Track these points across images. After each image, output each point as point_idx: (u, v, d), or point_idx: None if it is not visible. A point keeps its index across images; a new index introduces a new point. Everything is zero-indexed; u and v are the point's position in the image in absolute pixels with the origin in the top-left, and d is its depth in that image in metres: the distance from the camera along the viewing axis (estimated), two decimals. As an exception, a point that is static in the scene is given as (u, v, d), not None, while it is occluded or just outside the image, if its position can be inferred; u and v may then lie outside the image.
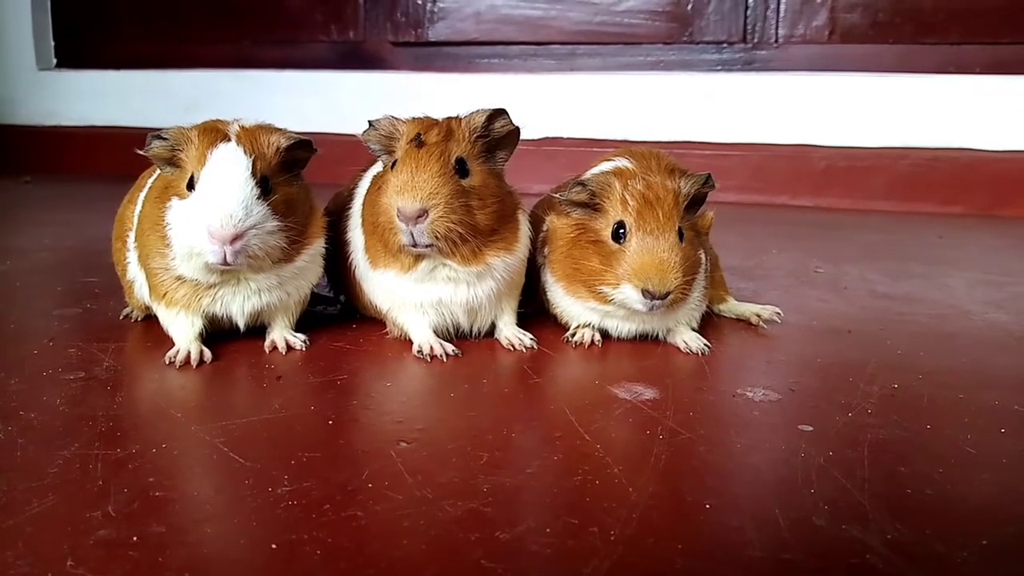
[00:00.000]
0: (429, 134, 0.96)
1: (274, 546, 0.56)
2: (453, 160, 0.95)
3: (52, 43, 3.37)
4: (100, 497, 0.63)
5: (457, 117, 1.00)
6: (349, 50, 2.99)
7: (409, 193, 0.92)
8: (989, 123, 2.41)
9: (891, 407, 0.86)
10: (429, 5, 2.86)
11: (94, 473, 0.67)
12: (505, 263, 1.02)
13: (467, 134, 0.98)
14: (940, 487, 0.68)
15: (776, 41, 2.61)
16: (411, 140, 0.96)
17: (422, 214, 0.92)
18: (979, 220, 2.31)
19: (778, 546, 0.58)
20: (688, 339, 1.06)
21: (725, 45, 2.65)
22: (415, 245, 0.94)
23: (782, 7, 2.57)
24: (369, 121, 1.01)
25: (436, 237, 0.94)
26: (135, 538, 0.57)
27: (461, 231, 0.94)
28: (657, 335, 1.08)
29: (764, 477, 0.70)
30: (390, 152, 1.00)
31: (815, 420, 0.82)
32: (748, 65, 2.65)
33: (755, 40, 2.62)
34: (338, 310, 1.23)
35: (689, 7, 2.64)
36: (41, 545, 0.56)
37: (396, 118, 1.00)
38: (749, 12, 2.60)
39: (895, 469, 0.71)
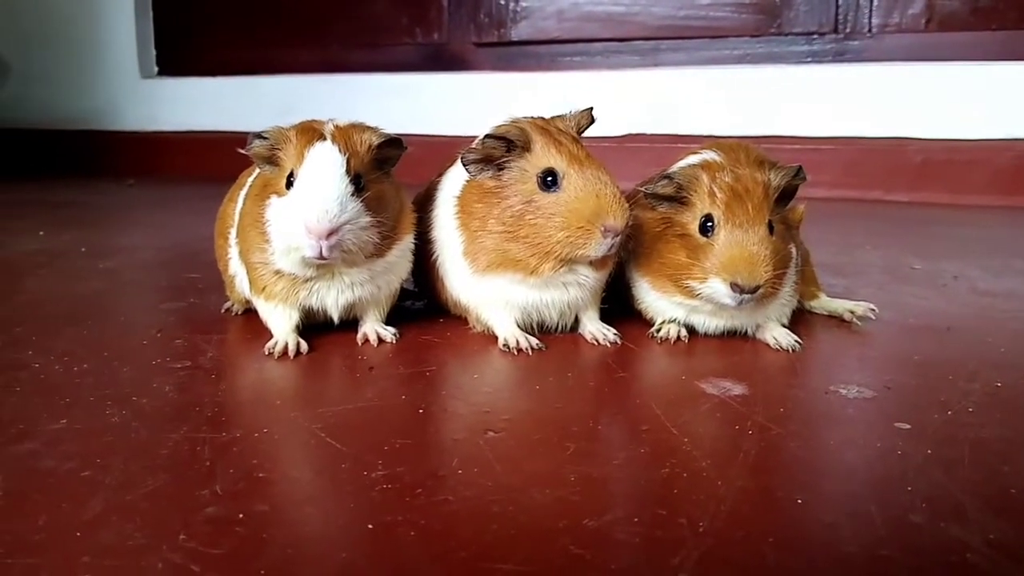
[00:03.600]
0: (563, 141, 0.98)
1: (370, 526, 0.58)
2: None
3: (154, 52, 3.54)
4: (208, 477, 0.66)
5: (561, 117, 1.01)
6: (433, 52, 3.05)
7: (618, 206, 0.96)
8: (1102, 111, 2.28)
9: (993, 406, 0.83)
10: (512, 5, 2.88)
11: (202, 455, 0.70)
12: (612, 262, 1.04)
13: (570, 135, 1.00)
14: (1048, 488, 0.65)
15: (869, 31, 2.52)
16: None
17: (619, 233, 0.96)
18: (1092, 214, 2.19)
19: (873, 542, 0.57)
20: (778, 335, 1.04)
21: (815, 36, 2.58)
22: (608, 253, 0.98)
23: (876, -5, 2.49)
24: (490, 132, 1.00)
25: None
26: (241, 515, 0.60)
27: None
28: (745, 331, 1.07)
29: (858, 474, 0.68)
30: (501, 165, 1.00)
31: (912, 418, 0.79)
32: (840, 56, 2.57)
33: (847, 30, 2.55)
34: (424, 305, 1.26)
35: (777, -2, 2.58)
36: (156, 520, 0.60)
37: (519, 126, 1.00)
38: (841, 1, 2.52)
39: (998, 468, 0.68)
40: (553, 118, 1.02)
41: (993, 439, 0.74)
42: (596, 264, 1.00)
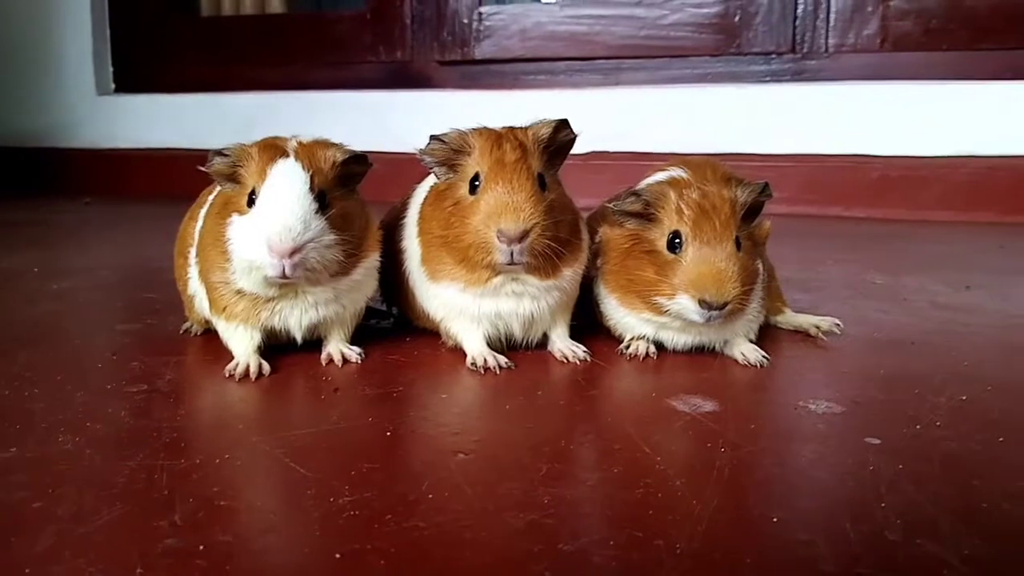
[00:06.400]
0: (505, 149, 0.96)
1: (338, 555, 0.56)
2: (536, 176, 0.96)
3: (111, 69, 3.48)
4: (166, 507, 0.63)
5: (523, 128, 1.00)
6: (397, 70, 3.03)
7: (512, 214, 0.93)
8: (1050, 129, 2.34)
9: (960, 419, 0.84)
10: (475, 24, 2.89)
11: (160, 483, 0.68)
12: (575, 273, 1.03)
13: (536, 146, 0.98)
14: (1017, 501, 0.65)
15: (826, 51, 2.57)
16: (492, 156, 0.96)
17: (525, 235, 0.93)
18: (1042, 229, 2.24)
19: (850, 561, 0.56)
20: (746, 351, 1.04)
21: (774, 56, 2.62)
22: (512, 264, 0.95)
23: (832, 16, 2.54)
24: (433, 135, 1.01)
25: (534, 255, 0.95)
26: (202, 547, 0.57)
27: (553, 245, 0.96)
28: (714, 347, 1.06)
29: (832, 491, 0.68)
30: (452, 167, 1.00)
31: (882, 433, 0.80)
32: (798, 75, 2.61)
33: (805, 50, 2.59)
34: (391, 324, 1.24)
35: (736, 19, 2.62)
36: (111, 553, 0.57)
37: (464, 131, 1.00)
38: (798, 22, 2.57)
39: (968, 483, 0.69)
40: (517, 127, 1.01)
41: (962, 453, 0.75)
42: (540, 273, 0.99)
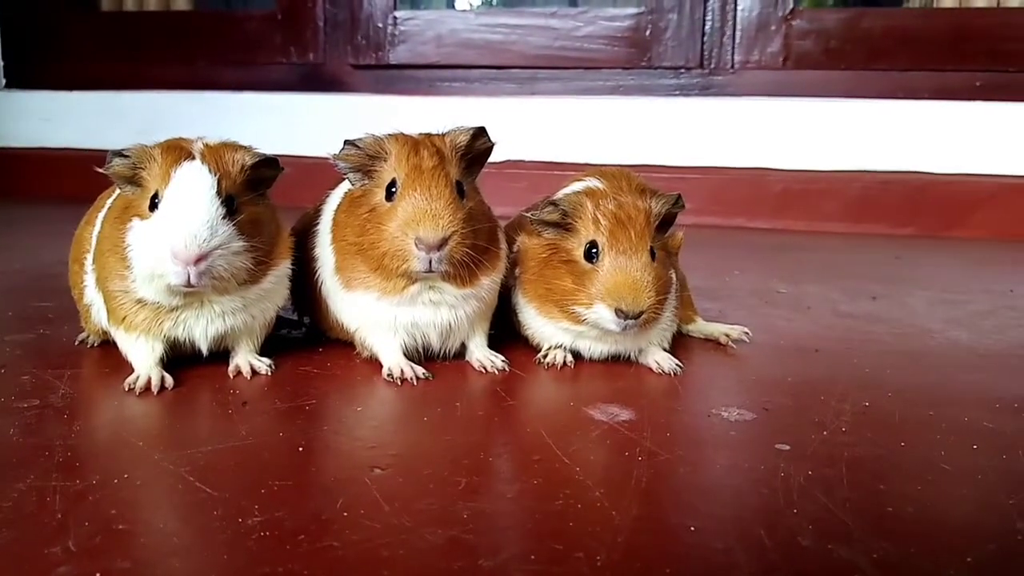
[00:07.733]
0: (423, 156, 0.94)
1: (248, 580, 0.54)
2: (454, 183, 0.94)
3: (1, 63, 3.28)
4: (59, 531, 0.59)
5: (440, 135, 0.99)
6: (309, 72, 2.97)
7: (430, 222, 0.91)
8: (937, 147, 2.48)
9: (864, 425, 0.87)
10: (390, 28, 2.86)
11: (52, 506, 0.63)
12: (493, 282, 1.02)
13: (454, 153, 0.97)
14: (920, 504, 0.68)
15: (732, 67, 2.65)
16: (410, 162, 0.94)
17: (443, 243, 0.91)
18: (931, 241, 2.37)
19: (766, 568, 0.57)
20: (660, 359, 1.05)
21: (683, 70, 2.69)
22: (430, 271, 0.93)
23: (738, 34, 2.63)
24: (347, 140, 0.98)
25: (452, 263, 0.93)
26: (98, 574, 0.54)
27: (472, 254, 0.94)
28: (629, 356, 1.08)
29: (746, 498, 0.69)
30: (368, 172, 0.98)
31: (791, 439, 0.82)
32: (705, 90, 2.69)
33: (712, 66, 2.67)
34: (303, 333, 1.21)
35: (647, 33, 2.68)
36: (-5, 584, 0.53)
37: (380, 136, 0.98)
38: (706, 38, 2.65)
39: (875, 487, 0.71)
40: (434, 134, 1.00)
41: (867, 457, 0.78)
42: (458, 282, 0.98)
